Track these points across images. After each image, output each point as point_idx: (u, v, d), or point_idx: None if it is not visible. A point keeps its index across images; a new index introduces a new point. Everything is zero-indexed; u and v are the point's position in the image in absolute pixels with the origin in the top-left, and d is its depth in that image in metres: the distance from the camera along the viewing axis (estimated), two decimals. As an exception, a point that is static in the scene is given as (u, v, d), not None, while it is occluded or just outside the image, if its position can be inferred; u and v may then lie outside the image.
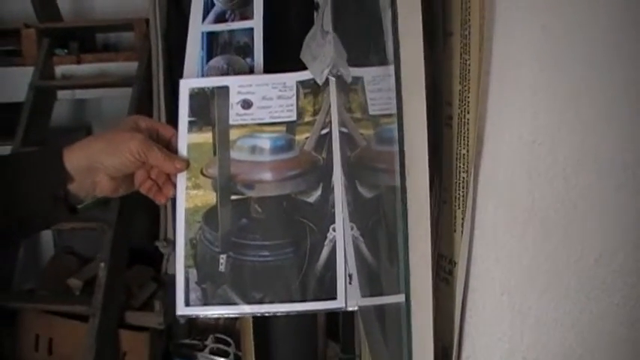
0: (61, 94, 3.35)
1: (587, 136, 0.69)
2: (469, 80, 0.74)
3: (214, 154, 1.12)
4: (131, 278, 3.13)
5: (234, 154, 1.11)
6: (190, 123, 1.13)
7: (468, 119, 0.74)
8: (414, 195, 0.72)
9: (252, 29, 1.32)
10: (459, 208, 0.78)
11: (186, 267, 1.08)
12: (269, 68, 1.23)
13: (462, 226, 0.77)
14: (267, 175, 1.10)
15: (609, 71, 0.68)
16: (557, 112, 0.69)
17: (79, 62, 3.29)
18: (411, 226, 0.72)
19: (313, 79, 1.13)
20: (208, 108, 1.14)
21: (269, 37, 1.29)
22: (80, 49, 3.36)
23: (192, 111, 1.13)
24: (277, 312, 1.07)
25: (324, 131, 1.12)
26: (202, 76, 1.26)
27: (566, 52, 0.68)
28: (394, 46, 0.69)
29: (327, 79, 1.11)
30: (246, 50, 1.31)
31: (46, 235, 3.44)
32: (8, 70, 3.30)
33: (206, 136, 1.12)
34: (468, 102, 0.74)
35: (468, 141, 0.75)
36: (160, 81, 2.93)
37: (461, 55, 0.75)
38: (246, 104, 1.13)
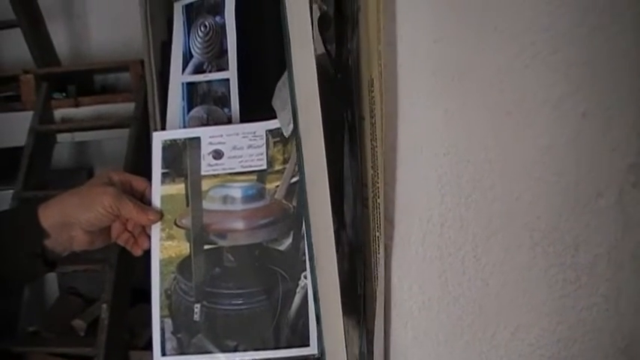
0: (61, 137, 3.39)
1: (495, 216, 0.71)
2: (377, 166, 0.75)
3: (187, 204, 1.12)
4: (134, 317, 3.14)
5: (206, 205, 1.12)
6: (163, 174, 1.14)
7: (379, 203, 0.76)
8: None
9: (228, 80, 1.33)
10: (377, 285, 0.79)
11: (162, 317, 1.09)
12: (246, 117, 1.24)
13: (377, 302, 0.78)
14: (239, 224, 1.11)
15: (512, 152, 0.70)
16: (463, 195, 0.71)
17: (77, 105, 3.33)
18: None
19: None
20: (181, 159, 1.15)
21: (246, 87, 1.31)
22: (79, 91, 3.40)
23: (165, 163, 1.14)
24: (251, 359, 1.08)
25: (294, 179, 1.12)
26: (184, 125, 1.28)
27: (467, 135, 0.70)
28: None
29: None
30: (224, 100, 1.32)
31: (51, 277, 3.46)
32: (8, 115, 3.34)
33: (179, 187, 1.13)
34: (378, 187, 0.75)
35: (380, 223, 0.76)
36: (156, 120, 2.95)
37: (370, 140, 0.76)
38: (218, 154, 1.14)
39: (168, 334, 1.09)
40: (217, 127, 1.21)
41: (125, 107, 3.28)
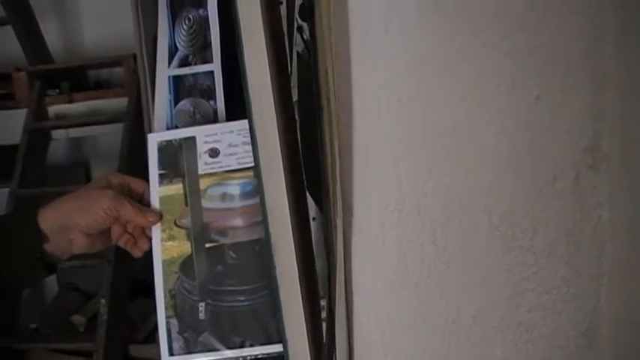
0: (56, 134, 3.39)
1: (452, 200, 0.71)
2: (334, 155, 0.76)
3: (186, 204, 1.13)
4: (134, 311, 3.16)
5: (205, 203, 1.13)
6: (161, 176, 1.15)
7: (336, 191, 0.76)
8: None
9: (212, 72, 1.33)
10: (337, 273, 0.79)
11: (167, 317, 1.10)
12: (232, 109, 1.25)
13: (337, 289, 0.79)
14: (239, 221, 1.11)
15: (468, 137, 0.70)
16: (420, 180, 0.71)
17: (70, 102, 3.33)
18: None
19: None
20: (177, 159, 1.15)
21: (231, 79, 1.31)
22: (73, 87, 3.40)
23: (162, 164, 1.15)
24: (258, 354, 1.09)
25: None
26: (172, 119, 1.28)
27: (422, 122, 0.70)
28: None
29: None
30: (209, 93, 1.33)
31: (50, 274, 3.46)
32: (2, 113, 3.35)
33: (177, 188, 1.14)
34: (336, 175, 0.76)
35: (338, 211, 0.77)
36: (150, 115, 2.95)
37: (329, 129, 0.77)
38: (214, 153, 1.15)
39: (174, 334, 1.10)
40: (212, 125, 1.21)
41: (119, 102, 3.28)
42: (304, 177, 0.83)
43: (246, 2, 0.75)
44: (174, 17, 1.68)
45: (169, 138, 1.18)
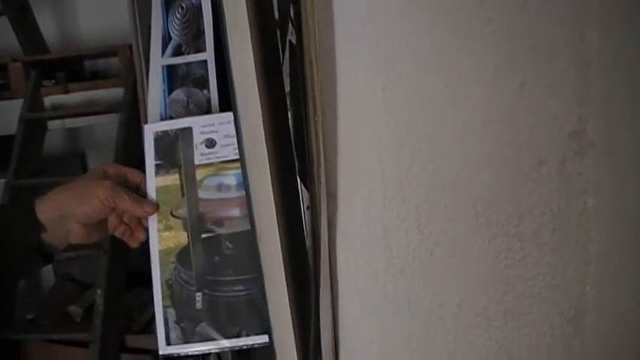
0: (52, 124, 3.38)
1: (436, 187, 0.71)
2: (319, 143, 0.75)
3: (182, 195, 1.13)
4: (131, 302, 3.16)
5: (201, 194, 1.13)
6: (157, 166, 1.15)
7: (321, 178, 0.76)
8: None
9: (205, 61, 1.33)
10: (321, 260, 0.79)
11: (164, 307, 1.10)
12: (225, 99, 1.24)
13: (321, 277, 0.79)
14: (236, 211, 1.11)
15: (452, 123, 0.70)
16: (404, 167, 0.71)
17: (66, 92, 3.33)
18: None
19: None
20: (173, 150, 1.15)
21: (224, 68, 1.31)
22: (69, 77, 3.40)
23: (158, 154, 1.15)
24: (254, 344, 1.09)
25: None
26: (166, 108, 1.28)
27: (406, 110, 0.70)
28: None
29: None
30: (203, 82, 1.32)
31: (47, 264, 3.47)
32: (-3, 104, 3.34)
33: (173, 178, 1.14)
34: (321, 163, 0.75)
35: (322, 198, 0.76)
36: (146, 105, 2.95)
37: (313, 118, 0.76)
38: (210, 143, 1.15)
39: (171, 324, 1.10)
40: (208, 116, 1.21)
41: (115, 92, 3.28)
42: (297, 166, 0.82)
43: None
44: (167, 6, 1.68)
45: (165, 129, 1.17)
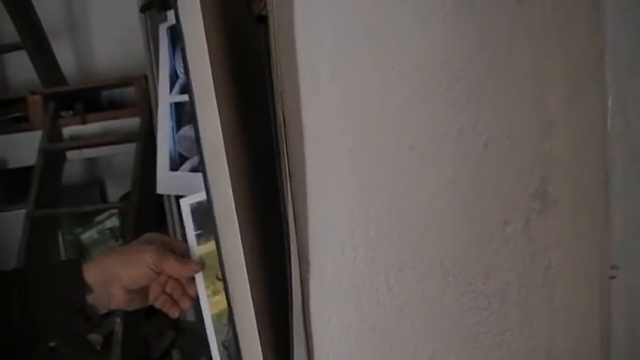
0: (70, 155, 3.43)
1: (405, 247, 0.73)
2: (287, 203, 0.77)
3: None
4: (148, 329, 3.19)
5: None
6: (197, 236, 1.16)
7: (293, 238, 0.78)
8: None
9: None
10: (293, 316, 0.81)
11: None
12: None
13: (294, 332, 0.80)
14: None
15: (418, 185, 0.72)
16: (372, 228, 0.73)
17: (84, 122, 3.38)
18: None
19: None
20: (209, 219, 1.18)
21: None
22: (87, 107, 3.44)
23: (197, 225, 1.17)
24: None
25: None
26: (174, 145, 1.31)
27: (373, 171, 0.72)
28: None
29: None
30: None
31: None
32: (17, 136, 3.40)
33: (213, 244, 1.16)
34: (290, 224, 0.77)
35: (294, 256, 0.78)
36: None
37: (285, 178, 0.78)
38: None
39: None
40: None
41: (132, 122, 3.32)
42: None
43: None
44: (174, 45, 1.71)
45: (199, 200, 1.19)
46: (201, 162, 0.75)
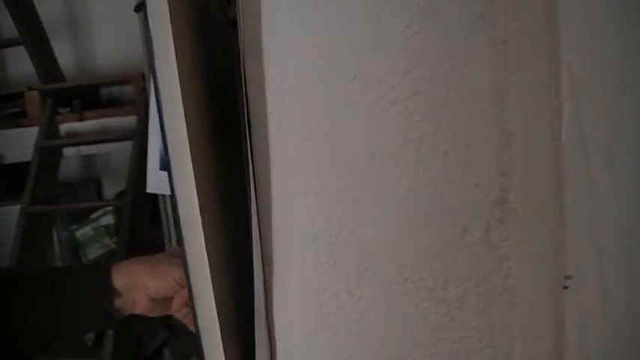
0: (67, 152, 3.44)
1: (365, 254, 0.73)
2: (251, 207, 0.78)
3: None
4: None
5: None
6: None
7: (257, 240, 0.78)
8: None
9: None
10: (255, 318, 0.81)
11: None
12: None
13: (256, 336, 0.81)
14: None
15: (378, 192, 0.73)
16: (334, 233, 0.74)
17: (81, 119, 3.38)
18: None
19: None
20: None
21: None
22: (85, 104, 3.45)
23: None
24: None
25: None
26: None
27: (335, 178, 0.73)
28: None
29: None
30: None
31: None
32: (14, 131, 3.41)
33: None
34: (255, 226, 0.78)
35: (258, 260, 0.79)
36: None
37: (250, 182, 0.79)
38: None
39: None
40: None
41: (129, 120, 3.33)
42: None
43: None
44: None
45: None
46: (168, 164, 0.75)
